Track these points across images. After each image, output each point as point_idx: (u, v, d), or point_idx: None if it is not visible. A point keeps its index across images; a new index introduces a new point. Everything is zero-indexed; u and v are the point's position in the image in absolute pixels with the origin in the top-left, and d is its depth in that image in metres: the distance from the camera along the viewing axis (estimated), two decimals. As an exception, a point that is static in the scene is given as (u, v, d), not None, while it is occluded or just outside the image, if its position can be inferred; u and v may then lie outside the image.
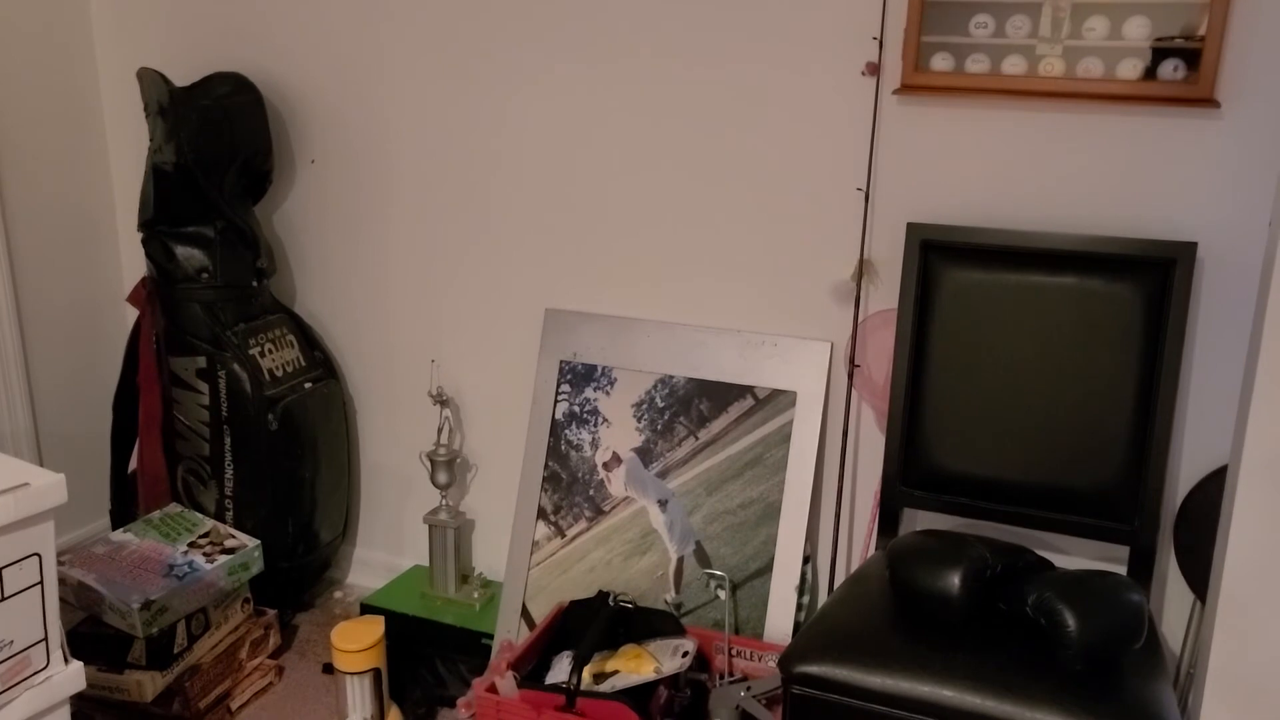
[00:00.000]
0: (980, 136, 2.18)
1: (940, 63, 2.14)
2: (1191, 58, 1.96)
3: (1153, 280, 1.96)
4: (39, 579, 1.64)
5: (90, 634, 2.34)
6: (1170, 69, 1.98)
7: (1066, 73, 2.05)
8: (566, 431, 2.60)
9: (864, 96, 2.24)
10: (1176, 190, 2.06)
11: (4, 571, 1.58)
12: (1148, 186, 2.08)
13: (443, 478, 2.72)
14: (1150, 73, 2.00)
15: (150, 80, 2.60)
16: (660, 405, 2.52)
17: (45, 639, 1.67)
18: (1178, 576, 2.20)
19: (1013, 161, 2.16)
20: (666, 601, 2.45)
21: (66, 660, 1.72)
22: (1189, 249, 1.94)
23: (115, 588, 2.31)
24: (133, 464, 2.87)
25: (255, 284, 2.75)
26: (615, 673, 2.15)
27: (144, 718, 2.36)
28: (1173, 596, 2.24)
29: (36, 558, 1.62)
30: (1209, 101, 1.96)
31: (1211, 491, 2.11)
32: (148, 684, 2.28)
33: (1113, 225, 2.12)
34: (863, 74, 2.23)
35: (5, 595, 1.59)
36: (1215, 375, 2.11)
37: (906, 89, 2.17)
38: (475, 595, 2.72)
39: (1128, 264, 1.98)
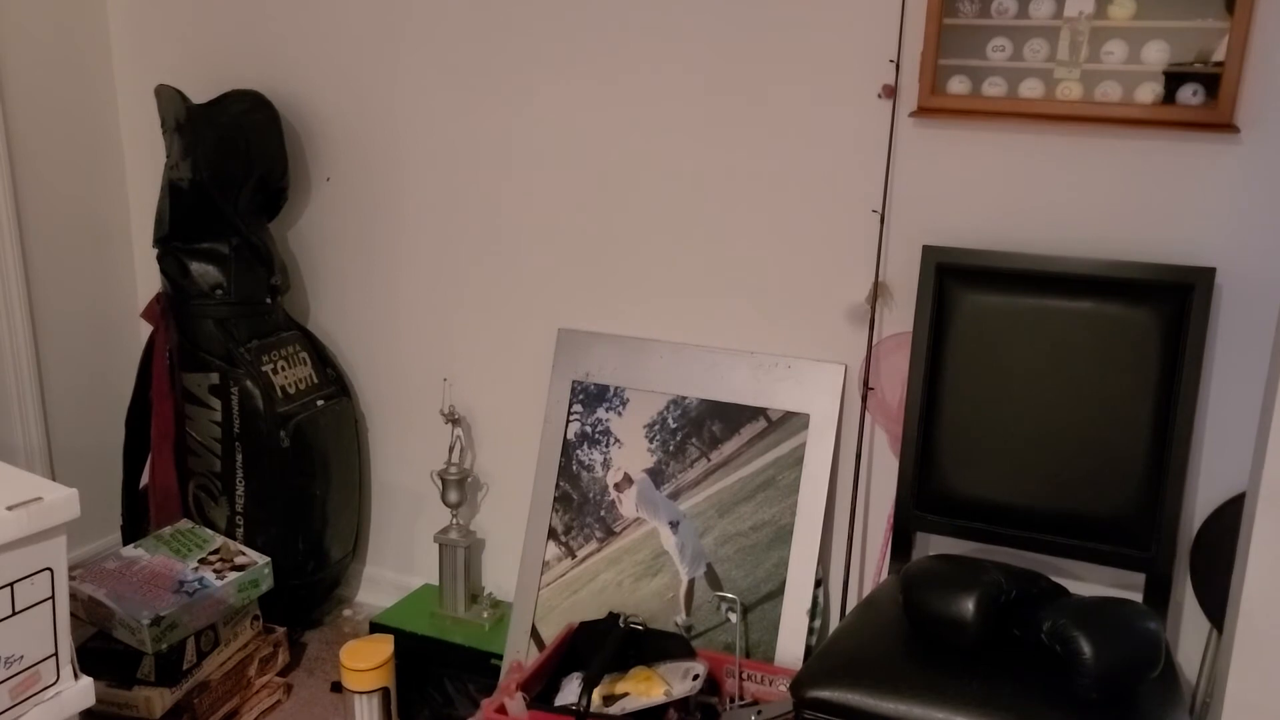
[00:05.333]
0: (997, 160, 2.17)
1: (957, 85, 2.14)
2: (1211, 82, 1.96)
3: (1170, 305, 1.95)
4: (50, 594, 1.63)
5: (100, 649, 2.34)
6: (1189, 93, 1.97)
7: (1084, 96, 2.05)
8: (578, 452, 2.59)
9: (880, 119, 2.24)
10: (1195, 215, 2.05)
11: (15, 586, 1.57)
12: (1166, 211, 2.07)
13: (453, 497, 2.72)
14: (1169, 97, 1.99)
15: (168, 97, 2.62)
16: (672, 426, 2.51)
17: (55, 654, 1.67)
18: (1194, 604, 2.18)
19: (1030, 185, 2.16)
20: (677, 624, 2.44)
21: (76, 676, 1.72)
22: (1207, 274, 1.93)
23: (126, 603, 2.31)
24: (144, 479, 2.87)
25: (269, 301, 2.75)
26: (625, 695, 2.13)
27: (152, 735, 2.35)
28: (1189, 624, 2.21)
29: (48, 572, 1.62)
30: (1228, 126, 1.96)
31: (1229, 519, 2.09)
32: (156, 700, 2.28)
33: (1130, 250, 2.11)
34: (879, 96, 2.23)
35: (16, 610, 1.59)
36: (1233, 401, 2.10)
37: (923, 112, 2.17)
38: (485, 615, 2.71)
39: (1145, 289, 1.97)
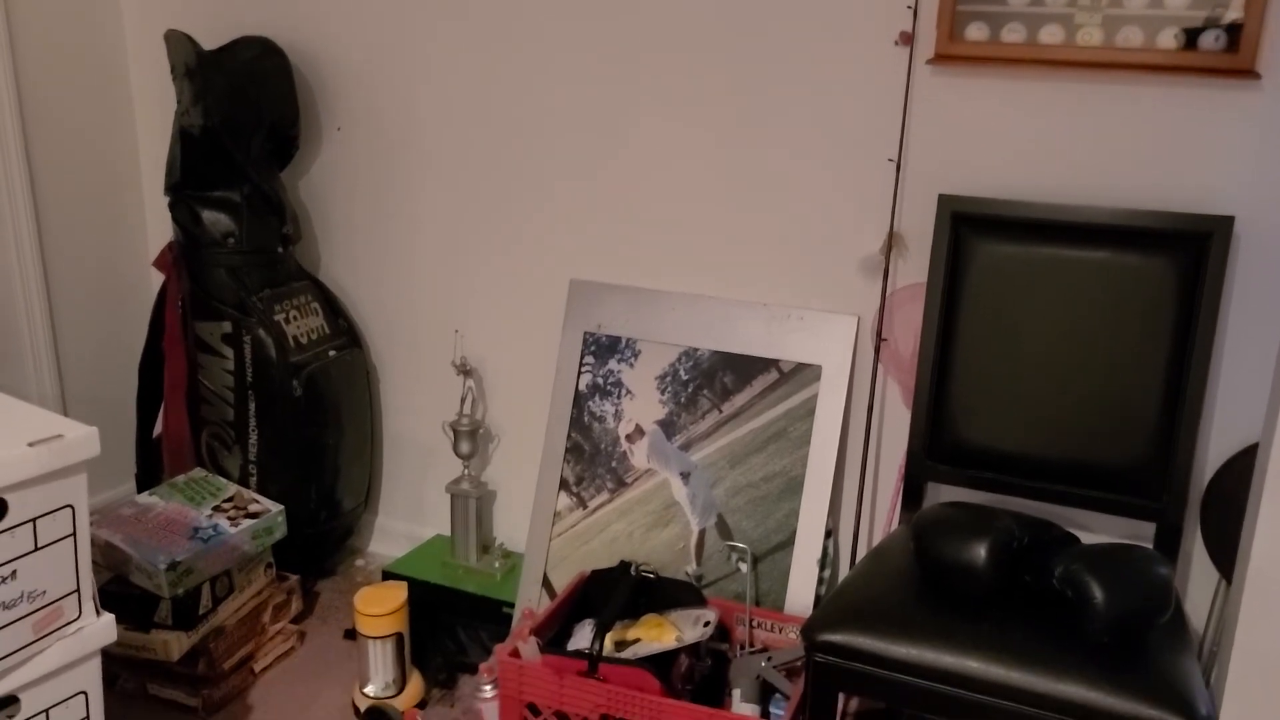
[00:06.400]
0: (1015, 107, 2.16)
1: (975, 32, 2.12)
2: (1233, 28, 1.94)
3: (1188, 254, 1.95)
4: (71, 530, 1.64)
5: (117, 593, 2.36)
6: (1211, 39, 1.96)
7: (1105, 42, 2.03)
8: (590, 403, 2.60)
9: (897, 66, 2.23)
10: (1214, 163, 2.04)
11: (38, 522, 1.59)
12: (1185, 159, 2.06)
13: (465, 448, 2.73)
14: (1190, 43, 1.98)
15: (178, 42, 2.60)
16: (684, 378, 2.52)
17: (78, 590, 1.68)
18: (1203, 554, 2.19)
19: (1047, 133, 2.15)
20: (687, 573, 2.46)
21: (98, 612, 1.73)
22: (1226, 223, 1.92)
23: (142, 548, 2.33)
24: (158, 428, 2.88)
25: (281, 250, 2.75)
26: (637, 641, 2.15)
27: (169, 677, 2.38)
28: (1198, 573, 2.23)
29: (69, 509, 1.63)
30: (1250, 73, 1.94)
31: (1240, 469, 2.10)
32: (174, 644, 2.30)
33: (1148, 198, 2.10)
34: (896, 43, 2.22)
35: (38, 545, 1.60)
36: (1248, 352, 2.10)
37: (940, 59, 2.16)
38: (496, 565, 2.73)
39: (1163, 238, 1.97)
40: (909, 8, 2.18)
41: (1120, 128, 2.09)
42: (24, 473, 1.55)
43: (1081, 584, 1.72)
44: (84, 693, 1.74)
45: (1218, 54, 1.96)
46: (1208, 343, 1.95)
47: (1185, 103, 2.03)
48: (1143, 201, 2.10)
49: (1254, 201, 2.02)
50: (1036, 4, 2.06)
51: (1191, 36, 1.97)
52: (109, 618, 1.73)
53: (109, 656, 2.27)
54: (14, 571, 1.57)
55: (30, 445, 1.55)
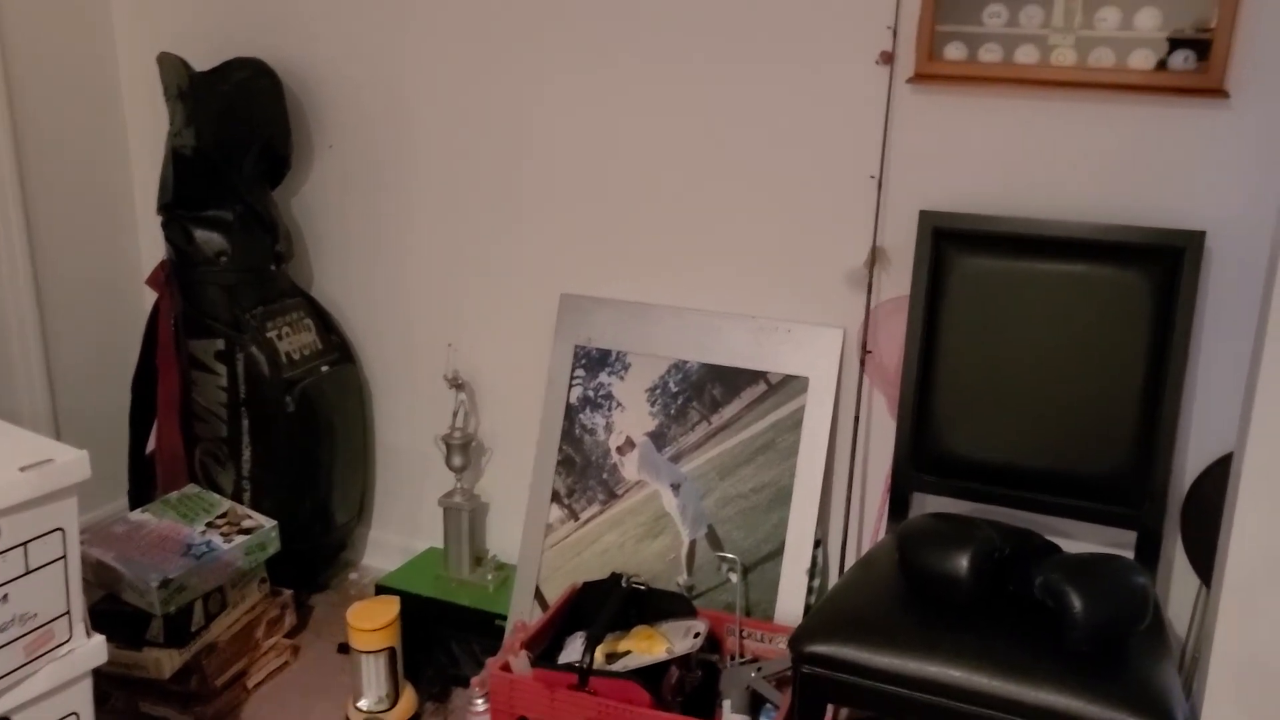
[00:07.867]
0: (992, 125, 2.19)
1: (954, 52, 2.15)
2: (1202, 48, 1.97)
3: (1162, 268, 1.98)
4: (62, 553, 1.67)
5: (109, 612, 2.37)
6: (1181, 59, 1.99)
7: (1078, 63, 2.06)
8: (581, 416, 2.62)
9: (878, 85, 2.26)
10: (1186, 180, 2.07)
11: (29, 546, 1.61)
12: (1158, 176, 2.09)
13: (458, 461, 2.75)
14: (1162, 63, 2.01)
15: (170, 65, 2.63)
16: (674, 390, 2.54)
17: (68, 613, 1.70)
18: (1183, 561, 2.22)
19: (1024, 150, 2.17)
20: (678, 584, 2.48)
21: (89, 634, 1.75)
22: (1197, 238, 1.95)
23: (134, 566, 2.35)
24: (151, 445, 2.90)
25: (273, 268, 2.78)
26: (627, 653, 2.17)
27: (161, 694, 2.39)
28: (1178, 581, 2.25)
29: (60, 533, 1.66)
30: (1218, 92, 1.97)
31: (1218, 478, 2.12)
32: (165, 661, 2.32)
33: (1123, 214, 2.13)
34: (877, 63, 2.25)
35: (29, 569, 1.62)
36: (1222, 363, 2.12)
37: (920, 78, 2.19)
38: (489, 577, 2.75)
39: (1137, 252, 2.00)
40: (889, 28, 2.21)
41: (1095, 145, 2.12)
42: (15, 497, 1.57)
43: (1061, 593, 1.74)
44: (75, 714, 1.76)
45: (1188, 74, 1.99)
46: (1183, 353, 1.98)
47: (1157, 121, 2.06)
48: (1118, 216, 2.13)
49: (1225, 216, 2.05)
50: (1012, 25, 2.09)
51: (1163, 57, 2.00)
52: (100, 639, 1.75)
53: (100, 675, 2.28)
54: (5, 595, 1.59)
55: (21, 470, 1.58)
